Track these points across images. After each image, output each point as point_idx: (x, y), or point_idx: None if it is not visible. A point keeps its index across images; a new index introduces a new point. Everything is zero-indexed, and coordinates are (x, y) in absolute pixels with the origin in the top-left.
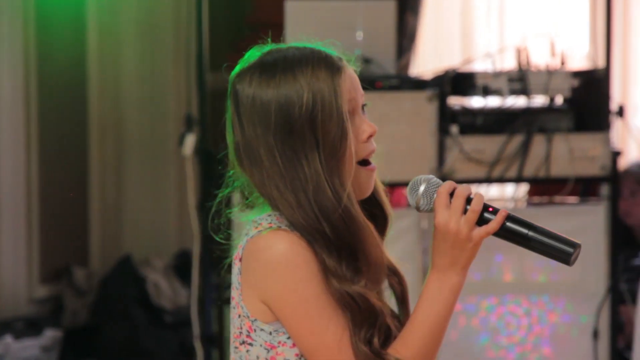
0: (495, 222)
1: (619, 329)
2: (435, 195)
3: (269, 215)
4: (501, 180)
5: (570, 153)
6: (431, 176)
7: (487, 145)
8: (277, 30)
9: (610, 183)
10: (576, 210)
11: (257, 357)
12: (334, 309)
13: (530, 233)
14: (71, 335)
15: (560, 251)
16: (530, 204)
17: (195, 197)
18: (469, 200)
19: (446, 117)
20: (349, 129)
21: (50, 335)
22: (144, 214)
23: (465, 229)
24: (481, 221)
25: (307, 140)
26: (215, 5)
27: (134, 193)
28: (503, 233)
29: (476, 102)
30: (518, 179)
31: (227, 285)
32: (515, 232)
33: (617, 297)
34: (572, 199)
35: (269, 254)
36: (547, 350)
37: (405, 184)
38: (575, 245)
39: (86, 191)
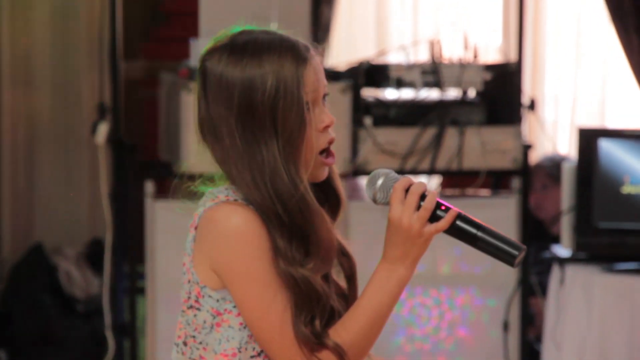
0: (445, 221)
1: (530, 321)
2: (391, 190)
3: (226, 189)
4: (414, 172)
5: (482, 146)
6: (389, 170)
7: (400, 138)
8: (191, 19)
9: (522, 176)
10: (488, 203)
11: (204, 322)
12: (280, 287)
13: (479, 233)
14: None
15: (506, 253)
16: (442, 196)
17: (107, 185)
18: (423, 197)
19: (360, 108)
20: (308, 119)
21: None
22: (56, 202)
23: (417, 225)
24: (433, 218)
25: (267, 126)
26: None
27: (46, 181)
28: (452, 231)
29: (390, 94)
30: (431, 171)
31: (139, 275)
32: (464, 231)
33: (527, 290)
34: (484, 192)
35: (223, 226)
36: (462, 331)
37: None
38: (520, 249)
39: None
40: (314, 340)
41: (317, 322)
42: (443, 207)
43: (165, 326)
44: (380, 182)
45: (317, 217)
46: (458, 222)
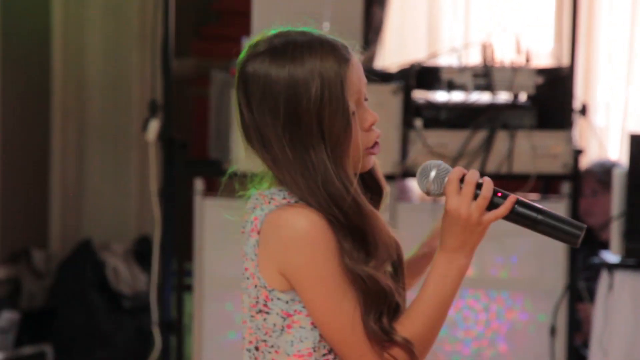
0: (504, 207)
1: (577, 327)
2: (445, 181)
3: (280, 190)
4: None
5: (533, 150)
6: (440, 162)
7: (450, 140)
8: (243, 18)
9: (572, 181)
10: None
11: (274, 325)
12: (348, 287)
13: (540, 217)
14: (28, 317)
15: (568, 233)
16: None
17: (157, 182)
18: (478, 186)
19: (410, 110)
20: (353, 121)
21: (7, 317)
22: (105, 199)
23: (476, 214)
24: (490, 205)
25: (314, 132)
26: None
27: (96, 177)
28: (512, 217)
29: (440, 96)
30: (480, 175)
31: (186, 272)
32: (524, 216)
33: (575, 295)
34: (534, 196)
35: (291, 229)
36: (503, 347)
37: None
38: (582, 228)
39: (47, 174)
40: (384, 336)
41: (385, 319)
42: (499, 194)
43: (211, 323)
44: (433, 173)
45: (371, 217)
46: (517, 207)
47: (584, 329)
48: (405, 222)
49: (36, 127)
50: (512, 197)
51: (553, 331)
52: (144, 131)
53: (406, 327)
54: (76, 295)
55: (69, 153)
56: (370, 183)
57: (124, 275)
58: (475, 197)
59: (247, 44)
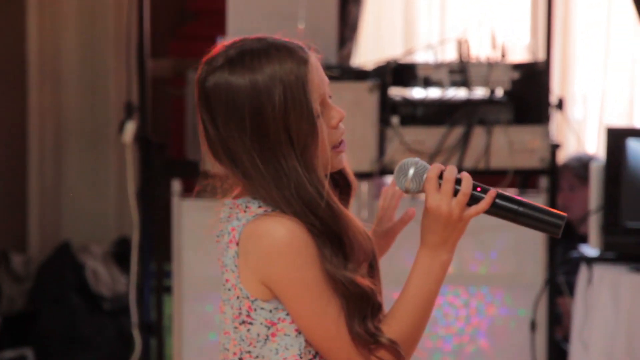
0: (485, 202)
1: (557, 321)
2: (424, 178)
3: (254, 198)
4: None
5: (510, 145)
6: (417, 159)
7: (427, 137)
8: (218, 18)
9: (549, 176)
10: None
11: (258, 335)
12: (332, 293)
13: (520, 209)
14: (8, 321)
15: (549, 224)
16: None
17: (134, 184)
18: (457, 182)
19: (387, 108)
20: (319, 123)
21: None
22: (83, 201)
23: (457, 211)
24: (471, 200)
25: (282, 139)
26: None
27: (74, 179)
28: (493, 210)
29: (417, 93)
30: (458, 171)
31: (166, 274)
32: (505, 209)
33: (555, 290)
34: (512, 191)
35: (271, 239)
36: (484, 342)
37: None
38: (562, 218)
39: (25, 176)
40: (370, 339)
41: (369, 322)
42: (479, 189)
43: (191, 325)
44: (411, 171)
45: (345, 219)
46: (498, 201)
47: (564, 323)
48: None
49: (13, 129)
50: (492, 191)
51: (533, 326)
52: (120, 133)
53: (392, 327)
54: (56, 298)
55: (47, 155)
56: (339, 180)
57: (103, 277)
58: (455, 193)
59: (203, 60)
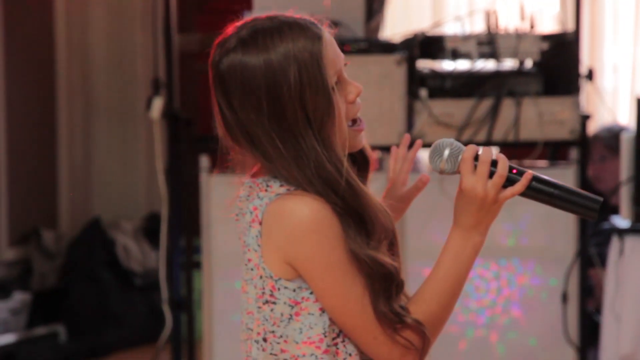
0: (521, 184)
1: (589, 293)
2: (459, 159)
3: (275, 178)
4: (470, 143)
5: (540, 117)
6: (452, 140)
7: (456, 109)
8: None
9: (580, 147)
10: (545, 174)
11: (282, 314)
12: (356, 272)
13: (556, 192)
14: (40, 298)
15: (585, 207)
16: None
17: (163, 160)
18: (493, 163)
19: (415, 80)
20: (336, 100)
21: (18, 298)
22: (113, 177)
23: (493, 193)
24: (506, 182)
25: (300, 118)
26: None
27: (103, 156)
28: (529, 193)
29: (445, 65)
30: (487, 143)
31: (195, 250)
32: (541, 192)
33: (586, 261)
34: (542, 163)
35: (296, 218)
36: (517, 312)
37: (374, 148)
38: (598, 202)
39: (55, 154)
40: (395, 319)
41: (394, 300)
42: (515, 171)
43: (221, 299)
44: (446, 152)
45: (365, 196)
46: (534, 183)
47: (596, 294)
48: None
49: (42, 107)
50: (528, 174)
51: (565, 298)
52: (147, 109)
53: (420, 308)
54: (87, 274)
55: (76, 133)
56: (357, 156)
57: (134, 252)
58: (491, 175)
59: (215, 43)
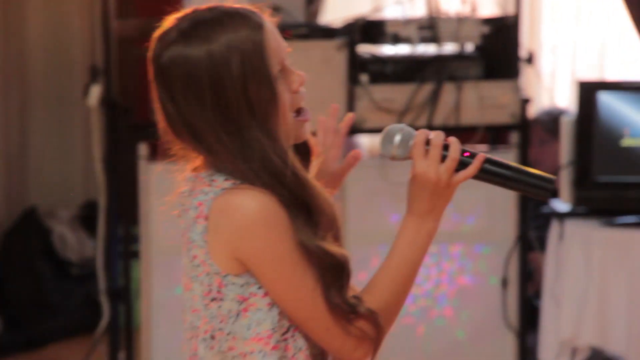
0: (473, 167)
1: (529, 277)
2: (410, 144)
3: (219, 172)
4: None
5: (480, 101)
6: (402, 125)
7: (397, 94)
8: None
9: (520, 131)
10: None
11: (229, 311)
12: (306, 264)
13: (509, 173)
14: None
15: (539, 187)
16: None
17: (101, 147)
18: (445, 147)
19: (356, 66)
20: (280, 89)
21: None
22: (49, 165)
23: (445, 177)
24: (459, 166)
25: (243, 109)
26: None
27: (39, 144)
28: (482, 176)
29: (386, 50)
30: (428, 127)
31: (133, 239)
32: (494, 174)
33: (526, 245)
34: (482, 147)
35: (244, 212)
36: (463, 280)
37: (314, 134)
38: (551, 181)
39: None
40: (348, 309)
41: (346, 291)
42: (467, 154)
43: (159, 289)
44: (398, 138)
45: (310, 186)
46: (486, 166)
47: (536, 278)
48: (354, 178)
49: None
50: (481, 156)
51: (505, 282)
52: (85, 96)
53: (374, 297)
54: (23, 264)
55: (12, 120)
56: (299, 146)
57: (71, 242)
58: (443, 159)
59: (154, 37)
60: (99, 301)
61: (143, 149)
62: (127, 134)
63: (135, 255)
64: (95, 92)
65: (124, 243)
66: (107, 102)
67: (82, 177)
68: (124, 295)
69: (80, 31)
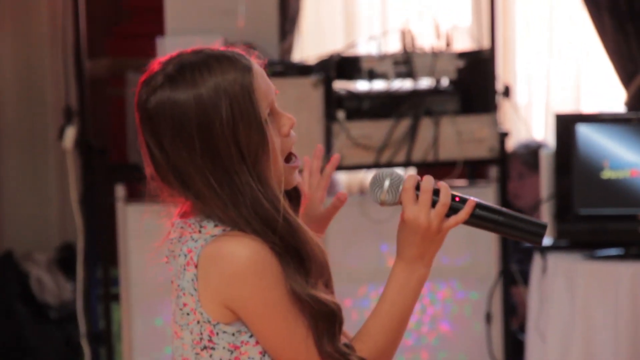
0: (464, 212)
1: (512, 312)
2: (400, 189)
3: (208, 218)
4: (389, 165)
5: (458, 135)
6: (392, 170)
7: (374, 130)
8: (154, 15)
9: (499, 165)
10: (465, 193)
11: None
12: (298, 312)
13: (501, 218)
14: None
15: (531, 233)
16: None
17: (77, 189)
18: (435, 192)
19: (332, 102)
20: (269, 133)
21: None
22: (24, 208)
23: (436, 223)
24: (449, 211)
25: (234, 154)
26: None
27: (14, 186)
28: (473, 221)
29: (362, 86)
30: (407, 164)
31: (112, 282)
32: (485, 219)
33: (509, 280)
34: (461, 182)
35: (234, 261)
36: (443, 331)
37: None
38: (544, 226)
39: None
40: (340, 358)
41: (338, 339)
42: (457, 199)
43: (140, 332)
44: (387, 183)
45: (303, 233)
46: (477, 211)
47: (520, 313)
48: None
49: None
50: (472, 201)
51: (489, 318)
52: (60, 139)
53: (366, 344)
54: (1, 308)
55: None
56: (290, 191)
57: (48, 285)
58: (433, 204)
59: (140, 81)
60: (79, 345)
61: (120, 190)
62: (103, 176)
63: (115, 298)
64: (70, 134)
65: (104, 285)
66: (82, 143)
67: (58, 220)
68: (105, 339)
69: (52, 72)
